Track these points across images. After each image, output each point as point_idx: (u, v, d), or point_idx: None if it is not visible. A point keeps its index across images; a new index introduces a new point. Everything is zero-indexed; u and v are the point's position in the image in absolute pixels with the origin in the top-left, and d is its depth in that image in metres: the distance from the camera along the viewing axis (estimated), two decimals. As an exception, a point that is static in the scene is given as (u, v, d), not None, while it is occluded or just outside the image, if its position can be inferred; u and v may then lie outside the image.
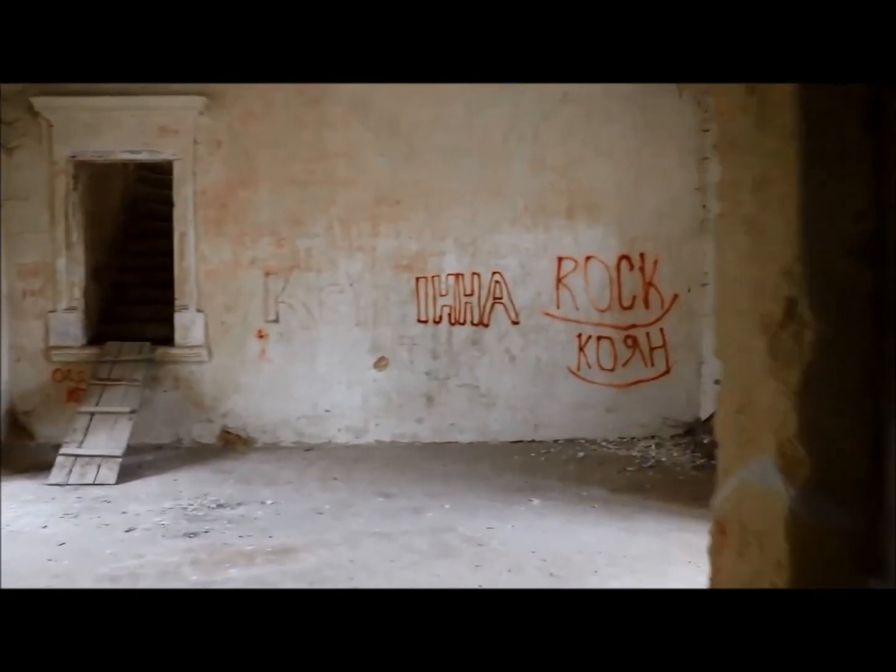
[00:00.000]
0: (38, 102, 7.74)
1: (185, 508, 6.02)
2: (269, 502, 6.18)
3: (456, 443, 8.15)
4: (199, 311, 8.10)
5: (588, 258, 8.21)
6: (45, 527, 5.62)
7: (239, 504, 6.13)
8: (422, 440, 8.19)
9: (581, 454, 7.69)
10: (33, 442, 8.01)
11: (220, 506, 6.10)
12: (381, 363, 8.19)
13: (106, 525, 5.65)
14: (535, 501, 6.14)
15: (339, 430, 8.21)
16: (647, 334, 8.27)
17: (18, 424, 8.05)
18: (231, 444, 8.12)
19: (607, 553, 4.99)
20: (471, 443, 8.15)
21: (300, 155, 8.02)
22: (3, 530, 5.51)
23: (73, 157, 7.93)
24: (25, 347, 8.05)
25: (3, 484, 6.70)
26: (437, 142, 8.04)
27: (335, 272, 8.11)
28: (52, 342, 8.02)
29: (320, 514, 5.90)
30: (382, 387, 8.20)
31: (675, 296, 8.25)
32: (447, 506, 6.05)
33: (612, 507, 5.95)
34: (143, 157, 8.11)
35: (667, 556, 4.94)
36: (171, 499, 6.27)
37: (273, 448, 8.06)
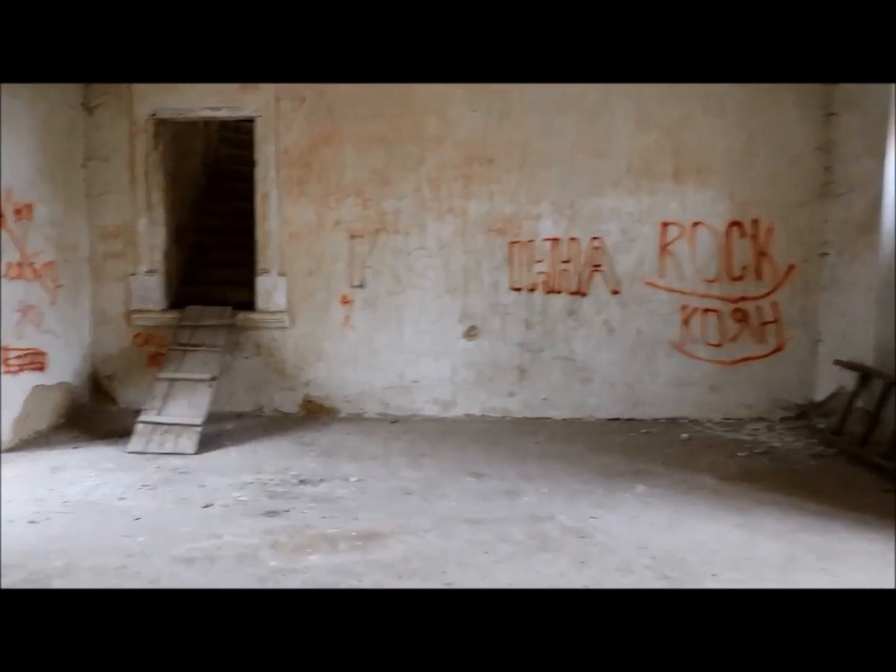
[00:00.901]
0: (120, 57, 7.44)
1: (265, 483, 5.70)
2: (353, 479, 5.80)
3: (549, 419, 7.66)
4: (281, 275, 7.76)
5: (695, 224, 7.55)
6: (122, 499, 5.36)
7: (321, 480, 5.77)
8: (513, 415, 7.72)
9: (685, 436, 7.10)
10: (115, 406, 7.85)
11: (301, 482, 5.75)
12: (471, 333, 7.73)
13: (183, 499, 5.36)
14: (640, 488, 5.61)
15: (427, 402, 7.80)
16: (759, 308, 7.58)
17: (101, 389, 7.89)
18: (313, 413, 7.80)
19: (726, 554, 4.44)
20: (565, 419, 7.65)
21: (386, 111, 7.55)
22: (81, 500, 5.30)
23: (153, 115, 7.65)
24: (107, 311, 7.86)
25: (84, 450, 6.54)
26: (533, 96, 7.46)
27: (424, 236, 7.65)
28: (134, 306, 7.81)
29: (408, 494, 5.49)
30: (472, 358, 7.74)
31: (791, 266, 7.53)
32: (544, 489, 5.57)
33: (725, 499, 5.38)
34: (224, 113, 7.75)
35: (794, 560, 4.36)
36: (252, 472, 5.96)
37: (357, 419, 7.71)
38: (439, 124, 7.55)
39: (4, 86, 6.37)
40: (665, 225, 7.57)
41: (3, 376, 6.41)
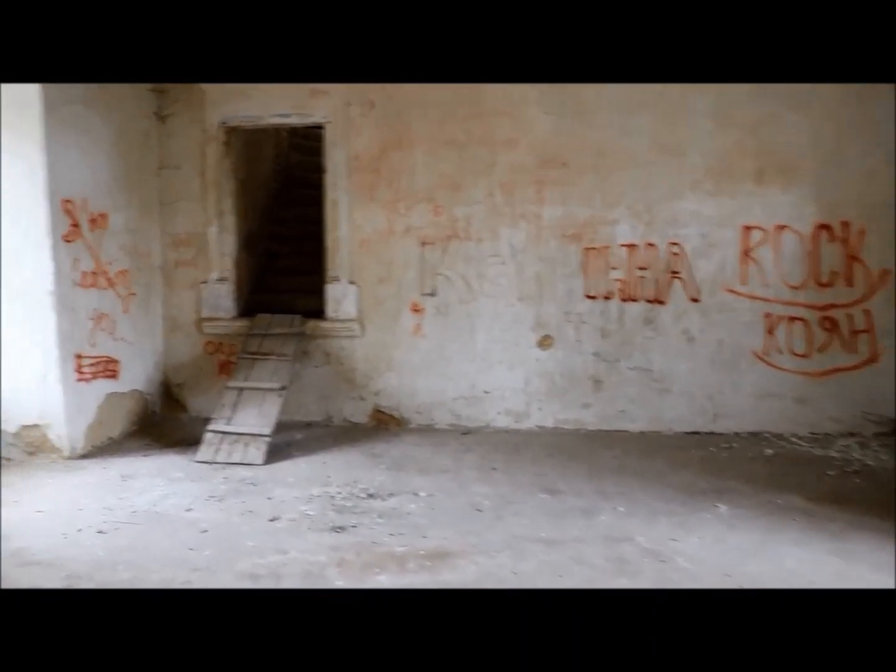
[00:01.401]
0: (192, 65, 7.45)
1: (333, 497, 5.57)
2: (422, 494, 5.64)
3: (625, 431, 7.38)
4: (351, 282, 7.66)
5: (780, 227, 7.18)
6: (189, 510, 5.30)
7: (390, 495, 5.62)
8: (588, 427, 7.46)
9: (769, 451, 6.74)
10: (186, 414, 7.86)
11: (370, 495, 5.61)
12: (545, 342, 7.50)
13: (250, 511, 5.26)
14: (722, 508, 5.30)
15: (499, 413, 7.60)
16: (849, 316, 7.17)
17: (172, 396, 7.92)
18: (383, 424, 7.67)
19: (822, 585, 4.12)
20: (642, 432, 7.35)
21: (457, 114, 7.39)
22: (149, 510, 5.26)
23: (224, 123, 7.64)
24: (178, 319, 7.88)
25: (154, 458, 6.53)
26: (608, 96, 7.20)
27: (496, 242, 7.46)
28: (204, 314, 7.81)
29: (479, 510, 5.30)
30: (546, 367, 7.51)
31: (885, 272, 7.10)
32: (621, 508, 5.32)
33: (817, 523, 5.03)
34: (293, 120, 7.69)
35: (899, 591, 4.03)
36: (320, 484, 5.85)
37: (427, 430, 7.55)
38: (512, 127, 7.35)
39: (81, 97, 6.42)
40: (747, 229, 7.22)
41: (77, 384, 6.45)
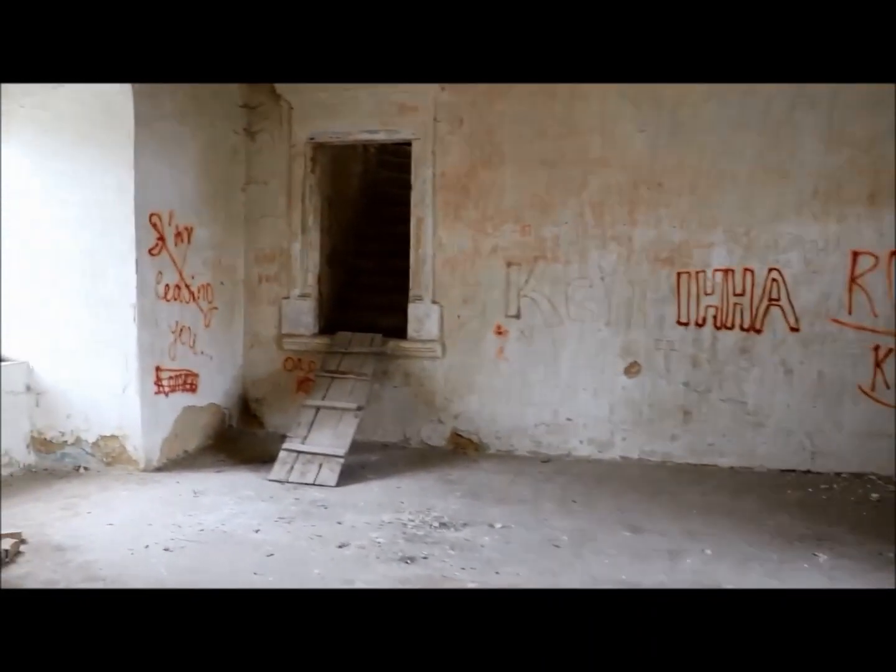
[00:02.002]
0: (280, 85, 7.46)
1: (405, 524, 5.37)
2: (498, 525, 5.38)
3: (715, 466, 6.96)
4: (434, 302, 7.49)
5: (893, 253, 6.68)
6: (257, 531, 5.18)
7: (464, 525, 5.39)
8: (675, 460, 7.08)
9: (875, 496, 6.23)
10: (262, 430, 7.82)
11: (443, 524, 5.39)
12: (632, 369, 7.17)
13: (319, 536, 5.11)
14: (822, 558, 4.87)
15: (581, 441, 7.29)
16: (968, 351, 6.62)
17: (250, 412, 7.89)
18: (461, 448, 7.45)
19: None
20: (732, 468, 6.93)
21: (549, 131, 7.15)
22: (217, 529, 5.16)
23: (312, 139, 7.60)
24: (259, 334, 7.86)
25: (227, 474, 6.48)
26: (707, 113, 6.85)
27: (585, 264, 7.18)
28: (285, 329, 7.77)
29: (556, 546, 5.01)
30: (632, 396, 7.17)
31: None
32: (709, 551, 4.95)
33: (932, 578, 4.57)
34: (381, 136, 7.59)
35: None
36: (392, 510, 5.66)
37: (506, 457, 7.30)
38: (604, 145, 7.08)
39: (172, 112, 6.45)
40: (856, 254, 6.74)
41: (156, 396, 6.45)
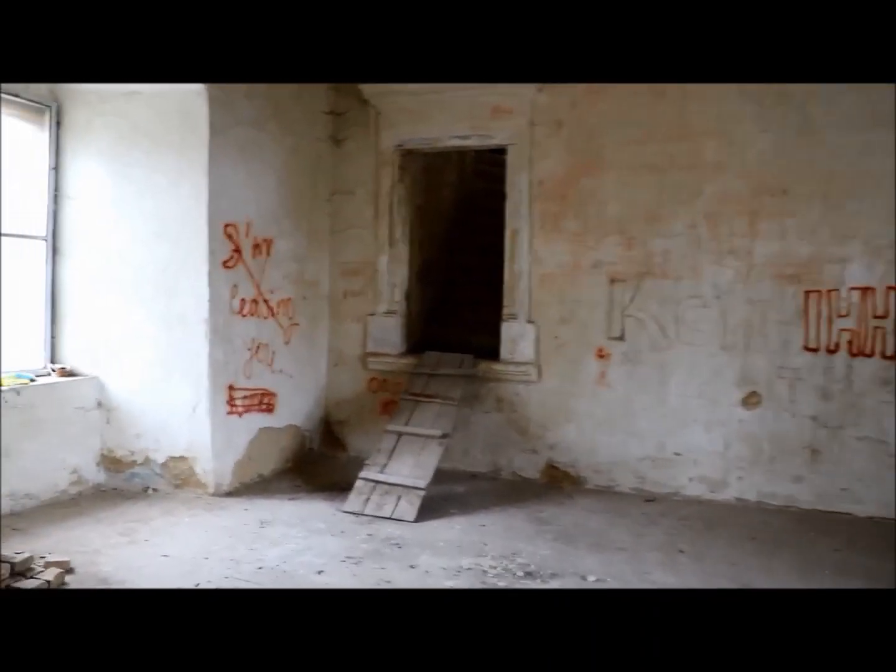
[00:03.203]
0: (368, 89, 7.05)
1: (485, 572, 4.76)
2: (591, 579, 4.70)
3: (849, 515, 6.05)
4: (529, 321, 6.89)
5: None
6: (320, 572, 4.68)
7: (552, 575, 4.74)
8: (800, 506, 6.20)
9: None
10: (345, 454, 7.41)
11: (528, 574, 4.75)
12: (751, 400, 6.35)
13: (387, 582, 4.57)
14: None
15: (691, 479, 6.51)
16: None
17: (332, 434, 7.49)
18: (556, 482, 6.80)
19: None
20: (871, 518, 5.99)
21: (657, 134, 6.46)
22: (277, 568, 4.70)
23: (400, 146, 7.17)
24: (343, 352, 7.45)
25: (300, 502, 6.05)
26: (842, 108, 5.99)
27: (698, 281, 6.43)
28: (370, 348, 7.33)
29: (654, 607, 4.32)
30: (751, 430, 6.35)
31: None
32: (841, 622, 4.15)
33: None
34: (473, 142, 7.05)
35: None
36: (473, 554, 5.06)
37: (606, 493, 6.60)
38: (721, 148, 6.33)
39: (251, 119, 6.14)
40: None
41: (228, 416, 6.10)
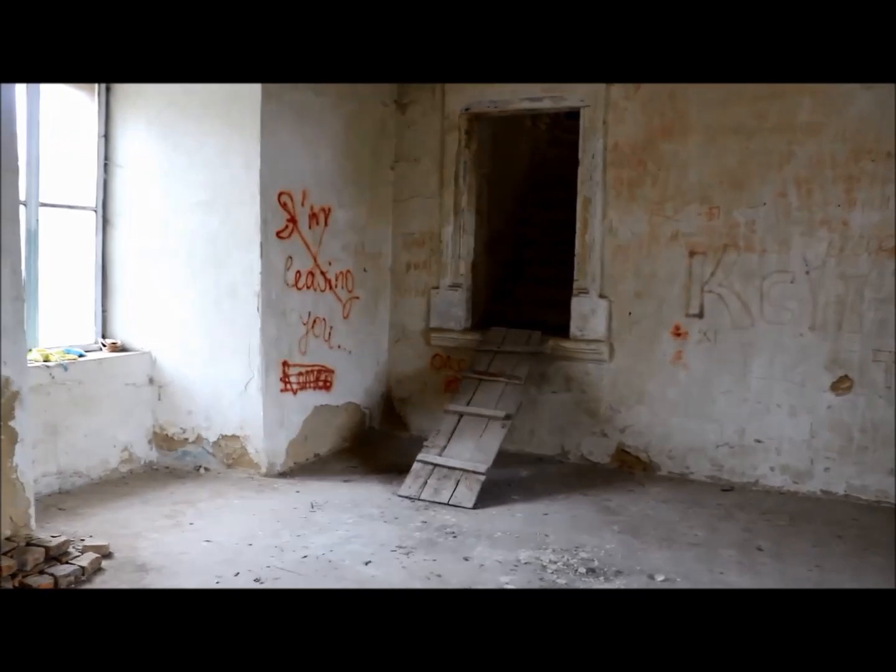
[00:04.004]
0: (436, 45, 6.67)
1: (544, 567, 4.44)
2: (659, 578, 4.33)
3: (951, 513, 5.52)
4: (601, 296, 6.47)
5: None
6: (367, 563, 4.44)
7: (617, 573, 4.38)
8: (893, 501, 5.68)
9: None
10: (406, 433, 7.16)
11: (591, 570, 4.41)
12: (841, 385, 5.82)
13: (438, 576, 4.28)
14: None
15: (772, 468, 6.04)
16: None
17: (394, 412, 7.24)
18: (627, 467, 6.42)
19: None
20: (977, 516, 5.45)
21: (745, 93, 5.90)
22: (322, 557, 4.47)
23: (467, 109, 6.78)
24: (406, 327, 7.17)
25: (354, 484, 5.83)
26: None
27: (786, 255, 5.89)
28: (433, 323, 7.03)
29: (725, 617, 3.93)
30: (841, 417, 5.83)
31: None
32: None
33: None
34: (545, 105, 6.60)
35: None
36: (532, 546, 4.74)
37: (680, 481, 6.19)
38: (816, 107, 5.75)
39: (309, 85, 5.85)
40: None
41: (282, 394, 5.90)
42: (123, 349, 5.88)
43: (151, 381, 5.93)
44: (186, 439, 5.93)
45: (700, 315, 6.20)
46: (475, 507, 5.37)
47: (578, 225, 6.51)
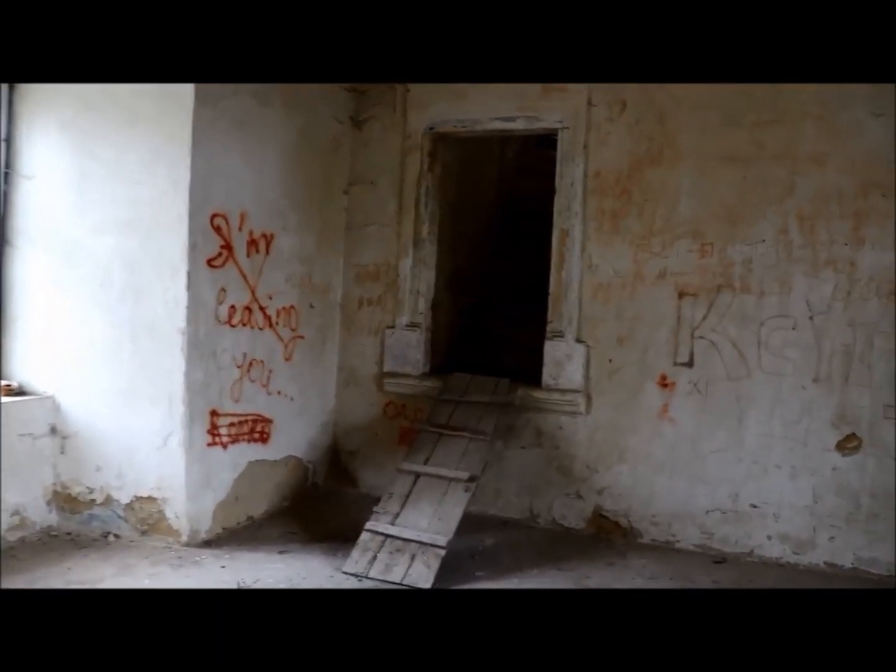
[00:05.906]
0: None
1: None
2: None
3: (973, 592, 4.87)
4: (578, 341, 5.81)
5: None
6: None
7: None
8: (908, 576, 5.06)
9: None
10: (355, 490, 6.40)
11: (570, 672, 3.65)
12: (849, 444, 5.21)
13: (386, 681, 3.48)
14: None
15: (769, 537, 5.39)
16: None
17: (340, 466, 6.45)
18: (605, 533, 5.72)
19: None
20: None
21: (744, 117, 5.37)
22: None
23: (431, 128, 6.16)
24: (356, 371, 6.43)
25: (291, 557, 4.99)
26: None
27: (787, 297, 5.31)
28: (387, 367, 6.31)
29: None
30: (847, 481, 5.22)
31: None
32: None
33: None
34: (518, 125, 5.94)
35: None
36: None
37: (665, 550, 5.52)
38: (821, 136, 5.21)
39: (250, 89, 5.12)
40: None
41: (208, 448, 5.05)
42: (21, 392, 4.98)
43: (54, 430, 5.02)
44: (93, 500, 5.01)
45: (690, 364, 5.57)
46: (434, 585, 4.58)
47: (554, 259, 5.87)
